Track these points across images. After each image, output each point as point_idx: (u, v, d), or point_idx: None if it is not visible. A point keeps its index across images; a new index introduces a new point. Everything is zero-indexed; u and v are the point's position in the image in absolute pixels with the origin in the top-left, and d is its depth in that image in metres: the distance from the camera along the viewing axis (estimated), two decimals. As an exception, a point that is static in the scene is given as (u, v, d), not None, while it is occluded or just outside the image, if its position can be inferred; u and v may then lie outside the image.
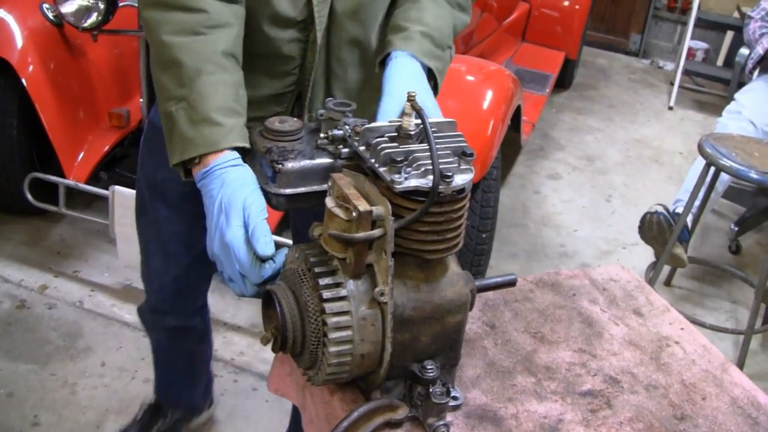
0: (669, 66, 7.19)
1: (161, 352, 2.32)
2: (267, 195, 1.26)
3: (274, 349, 1.21)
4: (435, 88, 1.55)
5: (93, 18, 3.00)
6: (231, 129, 1.29)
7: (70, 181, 3.11)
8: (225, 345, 2.90)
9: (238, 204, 1.22)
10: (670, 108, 6.16)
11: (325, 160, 1.24)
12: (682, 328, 1.56)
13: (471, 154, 1.17)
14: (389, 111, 1.42)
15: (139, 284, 3.12)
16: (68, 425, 2.48)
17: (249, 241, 1.21)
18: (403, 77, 1.47)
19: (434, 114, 1.42)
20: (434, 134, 1.13)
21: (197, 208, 1.44)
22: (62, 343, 2.82)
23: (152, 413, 2.44)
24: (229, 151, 1.28)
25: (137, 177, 1.95)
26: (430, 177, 1.11)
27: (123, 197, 2.87)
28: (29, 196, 3.19)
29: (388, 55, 1.51)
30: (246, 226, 1.21)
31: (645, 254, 3.75)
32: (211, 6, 1.36)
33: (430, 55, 1.52)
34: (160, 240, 1.95)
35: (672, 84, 6.35)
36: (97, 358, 2.77)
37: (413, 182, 1.11)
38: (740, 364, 3.02)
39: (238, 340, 2.93)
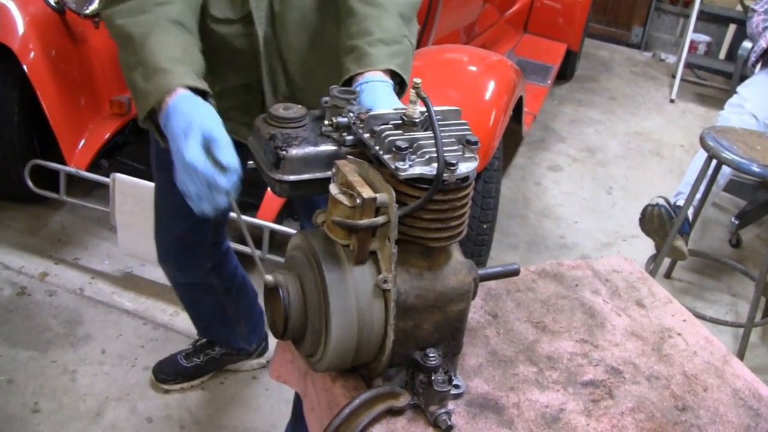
0: (671, 59, 7.18)
1: (186, 300, 2.52)
2: (271, 181, 1.26)
3: (276, 335, 1.21)
4: (402, 83, 1.55)
5: (95, 5, 3.00)
6: (181, 73, 1.38)
7: (71, 169, 3.10)
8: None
9: (194, 125, 1.28)
10: (672, 101, 6.15)
11: (330, 147, 1.24)
12: (684, 320, 1.56)
13: (475, 143, 1.17)
14: None
15: (140, 272, 3.15)
16: (68, 412, 2.48)
17: (209, 156, 1.27)
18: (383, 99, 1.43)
19: None
20: (439, 122, 1.13)
21: None
22: (62, 330, 2.82)
23: (204, 342, 2.68)
24: (183, 90, 1.35)
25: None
26: (435, 165, 1.11)
27: (124, 185, 2.87)
28: (30, 183, 3.19)
29: (351, 81, 1.49)
30: (205, 142, 1.27)
31: (645, 247, 3.75)
32: None
33: (386, 56, 1.51)
34: (166, 205, 2.13)
35: (674, 77, 6.34)
36: (97, 346, 2.77)
37: (417, 170, 1.11)
38: (740, 357, 3.03)
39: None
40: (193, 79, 1.39)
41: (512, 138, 4.35)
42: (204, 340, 2.67)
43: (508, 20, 5.12)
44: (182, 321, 2.91)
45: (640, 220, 3.39)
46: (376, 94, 1.43)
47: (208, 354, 2.65)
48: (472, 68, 3.00)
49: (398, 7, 1.58)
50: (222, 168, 1.26)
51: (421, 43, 3.43)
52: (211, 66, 1.56)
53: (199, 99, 1.36)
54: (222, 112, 1.56)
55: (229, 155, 1.27)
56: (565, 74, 6.04)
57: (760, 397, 1.37)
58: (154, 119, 1.41)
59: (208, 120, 1.30)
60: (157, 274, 3.13)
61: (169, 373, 2.62)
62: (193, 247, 2.24)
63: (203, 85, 1.40)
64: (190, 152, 1.25)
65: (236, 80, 1.74)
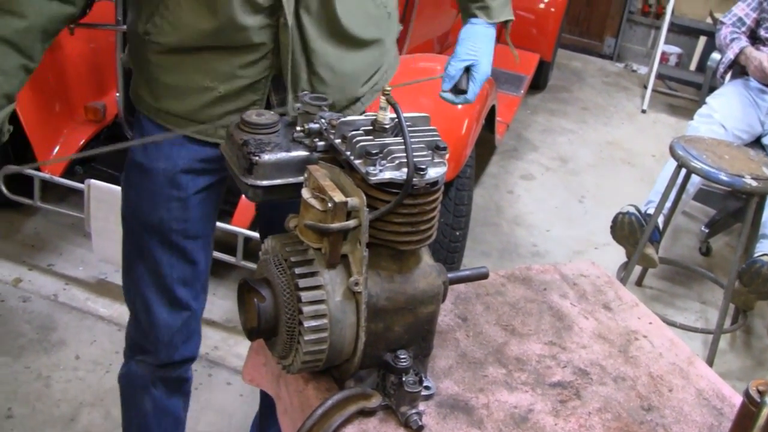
0: (642, 70, 7.25)
1: (149, 420, 2.00)
2: (244, 186, 1.28)
3: (249, 337, 1.23)
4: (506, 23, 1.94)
5: (70, 12, 2.99)
6: None
7: (45, 174, 3.10)
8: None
9: None
10: (643, 111, 6.21)
11: (302, 153, 1.26)
12: (650, 323, 1.59)
13: (444, 148, 1.19)
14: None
15: (114, 278, 3.14)
16: (42, 418, 2.48)
17: None
18: (488, 52, 1.87)
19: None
20: (409, 128, 1.15)
21: (199, 246, 1.69)
22: (36, 336, 2.82)
23: None
24: None
25: (126, 219, 1.80)
26: (405, 169, 1.13)
27: (98, 191, 2.87)
28: (4, 189, 3.18)
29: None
30: None
31: (616, 254, 3.78)
32: None
33: (501, 7, 1.88)
34: (163, 287, 1.78)
35: (645, 87, 6.40)
36: (71, 351, 2.77)
37: (388, 174, 1.13)
38: (709, 363, 3.07)
39: (212, 335, 2.93)
40: None
41: (485, 147, 4.39)
42: None
43: (481, 30, 5.15)
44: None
45: (611, 228, 3.43)
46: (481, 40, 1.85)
47: None
48: (446, 77, 3.03)
49: None
50: None
51: (395, 52, 3.46)
52: (219, 68, 1.54)
53: None
54: (219, 118, 1.57)
55: None
56: (538, 84, 6.08)
57: (723, 396, 1.40)
58: None
59: None
60: (132, 280, 3.13)
61: None
62: (199, 328, 1.93)
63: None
64: None
65: (244, 80, 1.59)
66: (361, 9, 1.64)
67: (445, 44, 4.32)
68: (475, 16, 1.86)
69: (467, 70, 1.85)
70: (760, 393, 1.17)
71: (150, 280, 1.78)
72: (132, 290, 1.84)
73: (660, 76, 6.46)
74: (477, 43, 1.84)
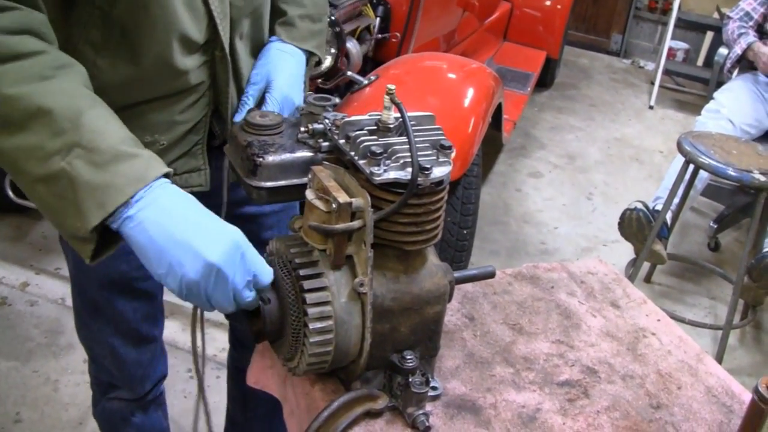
0: (650, 66, 7.24)
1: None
2: (248, 188, 1.27)
3: (255, 340, 1.23)
4: (318, 63, 1.71)
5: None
6: (150, 156, 1.12)
7: (52, 179, 3.09)
8: (207, 341, 2.89)
9: (229, 235, 1.12)
10: (651, 107, 6.20)
11: (306, 154, 1.26)
12: (658, 320, 1.58)
13: (449, 147, 1.18)
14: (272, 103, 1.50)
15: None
16: (50, 422, 2.48)
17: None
18: (286, 70, 1.56)
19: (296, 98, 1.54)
20: (413, 127, 1.15)
21: (157, 285, 1.53)
22: (44, 340, 2.82)
23: None
24: (164, 181, 1.12)
25: (76, 287, 1.72)
26: (409, 169, 1.12)
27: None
28: (11, 193, 3.18)
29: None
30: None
31: (625, 251, 3.78)
32: (48, 47, 1.14)
33: (309, 35, 1.63)
34: (128, 330, 1.73)
35: (652, 83, 6.40)
36: (79, 355, 2.76)
37: (392, 174, 1.13)
38: (719, 359, 3.06)
39: (219, 337, 2.93)
40: (162, 163, 1.13)
41: (493, 145, 4.38)
42: None
43: (487, 29, 5.15)
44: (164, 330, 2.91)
45: (619, 224, 3.43)
46: (273, 56, 1.56)
47: None
48: (451, 75, 3.02)
49: None
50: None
51: (401, 51, 3.46)
52: (158, 120, 1.41)
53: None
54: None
55: (263, 267, 1.16)
56: (545, 82, 6.09)
57: (733, 393, 1.39)
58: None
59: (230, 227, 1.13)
60: (139, 283, 3.14)
61: None
62: (164, 351, 1.92)
63: (169, 170, 1.14)
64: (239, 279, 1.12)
65: (186, 125, 1.46)
66: (267, 15, 1.58)
67: (452, 43, 4.31)
68: (275, 34, 1.60)
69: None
70: (770, 390, 1.16)
71: (111, 329, 1.71)
72: (90, 339, 1.79)
73: (667, 72, 6.46)
74: (269, 60, 1.55)
